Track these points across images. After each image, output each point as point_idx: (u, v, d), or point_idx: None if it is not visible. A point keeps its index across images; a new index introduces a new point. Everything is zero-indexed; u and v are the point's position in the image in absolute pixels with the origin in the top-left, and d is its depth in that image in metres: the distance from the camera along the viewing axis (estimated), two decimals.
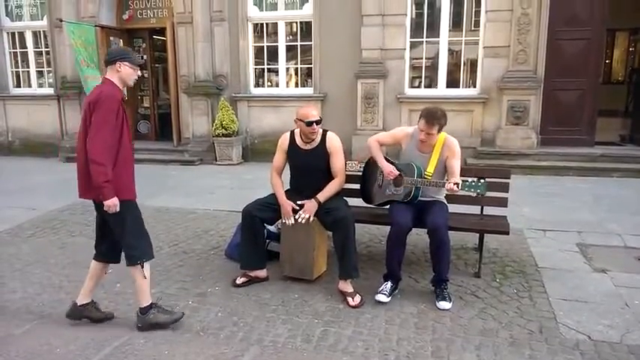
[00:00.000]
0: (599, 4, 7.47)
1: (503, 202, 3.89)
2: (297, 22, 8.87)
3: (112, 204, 2.83)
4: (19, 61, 10.35)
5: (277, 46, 8.91)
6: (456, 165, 3.47)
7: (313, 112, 3.57)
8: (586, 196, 6.10)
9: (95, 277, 3.15)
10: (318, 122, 3.56)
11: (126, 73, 2.93)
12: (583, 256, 4.18)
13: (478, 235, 3.90)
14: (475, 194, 3.26)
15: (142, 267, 2.99)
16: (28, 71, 10.34)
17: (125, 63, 2.90)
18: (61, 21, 8.85)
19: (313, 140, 3.66)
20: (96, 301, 3.21)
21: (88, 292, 3.15)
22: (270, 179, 3.80)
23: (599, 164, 7.27)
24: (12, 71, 10.37)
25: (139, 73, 3.10)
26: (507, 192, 3.89)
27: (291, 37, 9.01)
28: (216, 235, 4.84)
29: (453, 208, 3.74)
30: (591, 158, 7.41)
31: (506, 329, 3.01)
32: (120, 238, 2.99)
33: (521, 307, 3.28)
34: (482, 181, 3.30)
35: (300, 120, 3.57)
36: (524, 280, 3.69)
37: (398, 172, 3.53)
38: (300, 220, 3.53)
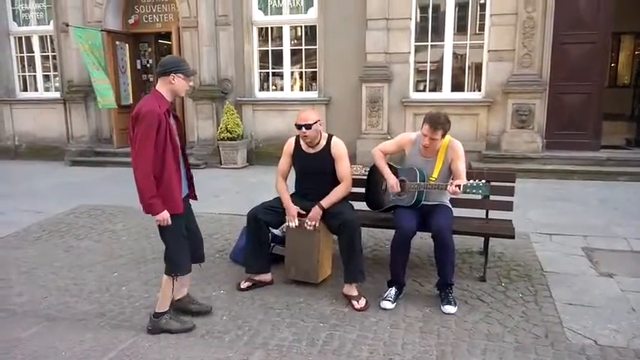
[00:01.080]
0: (604, 7, 7.45)
1: (508, 206, 3.87)
2: (301, 26, 8.90)
3: (162, 218, 2.86)
4: (26, 66, 10.43)
5: (282, 50, 8.94)
6: (461, 167, 3.47)
7: (307, 116, 3.57)
8: (592, 199, 6.07)
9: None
10: (307, 127, 3.53)
11: (179, 85, 2.89)
12: (589, 260, 4.16)
13: (483, 238, 3.89)
14: (481, 197, 3.25)
15: (175, 279, 3.04)
16: (35, 75, 10.42)
17: (179, 75, 2.86)
18: (68, 25, 8.93)
19: (318, 144, 3.67)
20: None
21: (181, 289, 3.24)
22: (275, 183, 3.81)
23: (604, 168, 7.24)
24: (19, 75, 10.45)
25: (192, 83, 3.07)
26: (513, 196, 3.88)
27: (295, 41, 9.04)
28: (221, 238, 4.85)
29: (457, 211, 3.74)
30: (597, 162, 7.38)
31: (511, 334, 3.00)
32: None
33: (527, 312, 3.26)
34: (483, 182, 3.29)
35: (295, 123, 3.61)
36: (529, 285, 3.67)
37: (400, 189, 3.54)
38: (307, 227, 3.53)
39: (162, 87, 2.88)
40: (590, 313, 3.24)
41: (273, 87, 9.28)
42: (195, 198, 3.25)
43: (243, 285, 3.68)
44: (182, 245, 3.05)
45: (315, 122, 3.57)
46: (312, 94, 8.85)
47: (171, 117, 2.94)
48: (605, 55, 7.94)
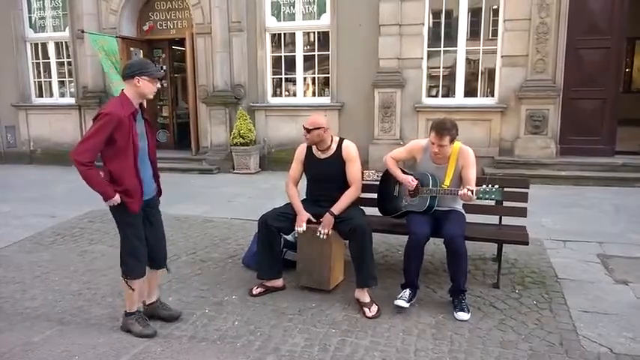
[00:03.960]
0: (618, 12, 7.38)
1: (522, 212, 3.84)
2: (314, 32, 8.94)
3: (113, 202, 2.94)
4: (42, 72, 10.60)
5: (295, 55, 8.98)
6: (471, 174, 3.45)
7: (313, 120, 3.61)
8: (607, 206, 5.99)
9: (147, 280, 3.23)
10: (307, 130, 3.59)
11: (145, 87, 2.93)
12: (604, 267, 4.10)
13: (496, 245, 3.86)
14: (494, 202, 3.22)
15: (126, 282, 3.06)
16: (50, 81, 10.58)
17: (144, 77, 2.90)
18: (83, 32, 9.07)
19: (329, 148, 3.68)
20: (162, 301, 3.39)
21: (146, 295, 3.29)
22: (286, 189, 3.82)
23: (619, 174, 7.15)
24: (34, 81, 10.62)
25: (159, 85, 3.12)
26: (526, 202, 3.85)
27: (308, 46, 9.08)
28: (234, 243, 4.87)
29: (470, 217, 3.72)
30: (612, 168, 7.29)
31: (525, 341, 2.97)
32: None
33: (541, 319, 3.23)
34: (496, 187, 3.27)
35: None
36: (544, 292, 3.63)
37: (417, 181, 3.52)
38: (320, 236, 3.53)
39: (128, 90, 2.94)
40: (606, 321, 3.19)
41: (286, 93, 9.32)
42: (159, 194, 3.30)
43: (255, 291, 3.68)
44: (135, 247, 3.04)
45: (318, 128, 3.58)
46: (325, 100, 8.87)
47: (138, 119, 2.99)
48: (620, 60, 7.84)
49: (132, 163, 2.92)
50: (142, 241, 3.08)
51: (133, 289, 3.07)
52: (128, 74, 2.91)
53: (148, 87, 2.94)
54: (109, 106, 2.91)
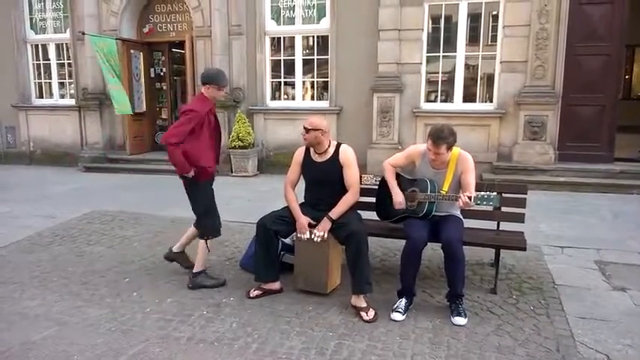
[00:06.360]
0: (617, 19, 7.41)
1: (520, 218, 3.85)
2: (313, 36, 8.96)
3: (191, 175, 3.75)
4: (42, 73, 10.61)
5: (294, 59, 9.00)
6: (470, 179, 3.46)
7: (312, 121, 3.64)
8: (605, 212, 6.01)
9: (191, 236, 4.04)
10: (307, 130, 3.62)
11: (212, 93, 3.76)
12: (602, 273, 4.11)
13: (494, 250, 3.87)
14: (492, 208, 3.22)
15: (206, 242, 3.83)
16: (50, 82, 10.59)
17: (211, 87, 3.71)
18: (84, 34, 9.09)
19: (326, 152, 3.69)
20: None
21: (181, 246, 4.10)
22: (284, 193, 3.82)
23: (618, 181, 7.17)
24: (35, 82, 10.63)
25: (225, 91, 3.84)
26: (524, 207, 3.85)
27: (307, 50, 9.11)
28: (232, 246, 4.87)
29: (468, 223, 3.72)
30: (610, 174, 7.31)
31: (522, 347, 2.97)
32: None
33: (539, 325, 3.23)
34: (494, 193, 3.28)
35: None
36: (541, 297, 3.63)
37: (405, 206, 3.58)
38: (315, 239, 3.54)
39: (205, 91, 3.75)
40: (603, 328, 3.19)
41: (285, 96, 9.34)
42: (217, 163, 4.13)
43: (253, 294, 3.68)
44: (213, 210, 3.89)
45: (316, 130, 3.61)
46: (324, 104, 8.89)
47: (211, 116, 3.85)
48: (619, 67, 7.87)
49: (205, 144, 3.74)
50: (215, 205, 3.92)
51: (209, 250, 3.87)
52: (202, 82, 3.75)
53: (215, 93, 3.78)
54: (194, 104, 3.73)
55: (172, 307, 3.52)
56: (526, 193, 3.90)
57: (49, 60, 10.49)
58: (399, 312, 3.35)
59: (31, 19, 10.38)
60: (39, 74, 10.63)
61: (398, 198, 3.60)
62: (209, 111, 3.77)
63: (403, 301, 3.42)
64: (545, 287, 3.81)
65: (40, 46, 10.48)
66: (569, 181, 7.24)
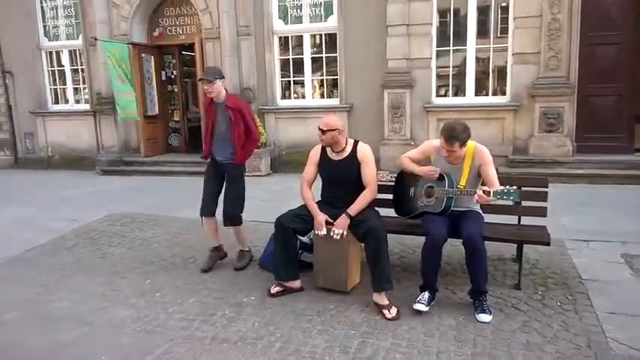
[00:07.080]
0: (631, 7, 7.27)
1: (541, 212, 3.78)
2: (321, 34, 8.93)
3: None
4: (57, 79, 10.73)
5: (303, 58, 8.98)
6: (491, 172, 3.40)
7: (327, 122, 3.62)
8: (627, 204, 5.88)
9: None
10: (322, 131, 3.60)
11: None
12: (629, 267, 4.01)
13: (516, 245, 3.80)
14: (512, 203, 3.15)
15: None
16: (65, 88, 10.71)
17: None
18: (96, 39, 9.17)
19: (343, 150, 3.67)
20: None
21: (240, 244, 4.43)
22: (300, 191, 3.80)
23: (639, 172, 7.03)
24: (50, 88, 10.75)
25: (204, 84, 4.33)
26: (546, 201, 3.78)
27: (316, 48, 9.08)
28: (249, 244, 4.84)
29: (489, 218, 3.66)
30: (631, 166, 7.17)
31: (551, 344, 2.90)
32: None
33: (567, 321, 3.15)
34: (514, 188, 3.19)
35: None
36: (567, 293, 3.55)
37: (438, 170, 3.48)
38: (334, 236, 3.51)
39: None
40: (635, 323, 3.10)
41: (295, 95, 9.32)
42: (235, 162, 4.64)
43: (273, 290, 3.67)
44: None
45: (333, 130, 3.59)
46: (334, 102, 8.86)
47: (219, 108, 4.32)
48: (636, 55, 7.72)
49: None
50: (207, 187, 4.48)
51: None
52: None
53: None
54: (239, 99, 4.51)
55: (195, 307, 3.52)
56: (547, 187, 3.82)
57: (63, 66, 10.60)
58: (422, 303, 3.31)
59: (44, 26, 10.49)
60: (54, 80, 10.75)
61: (427, 169, 3.54)
62: (206, 103, 4.45)
63: (426, 294, 3.38)
64: (571, 282, 3.73)
65: (54, 52, 10.59)
66: (588, 173, 7.12)
